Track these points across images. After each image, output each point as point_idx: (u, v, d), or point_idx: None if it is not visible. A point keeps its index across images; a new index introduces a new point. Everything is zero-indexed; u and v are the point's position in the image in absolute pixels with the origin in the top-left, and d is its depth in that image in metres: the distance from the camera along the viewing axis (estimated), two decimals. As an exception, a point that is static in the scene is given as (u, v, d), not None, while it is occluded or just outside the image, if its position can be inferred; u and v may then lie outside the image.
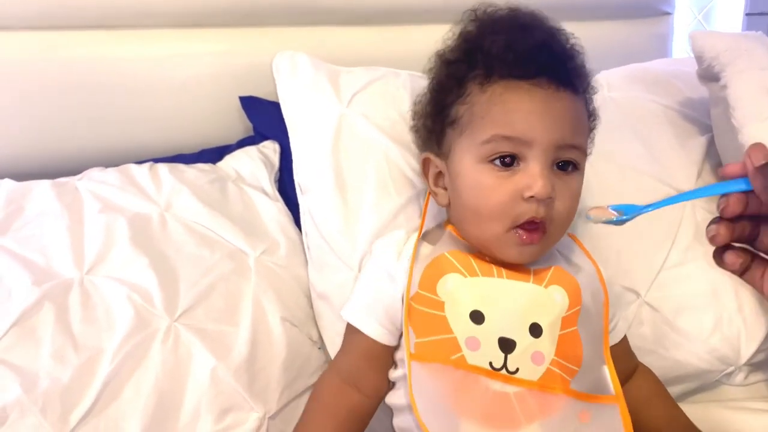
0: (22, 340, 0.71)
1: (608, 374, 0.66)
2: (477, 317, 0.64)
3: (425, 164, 0.74)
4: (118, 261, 0.79)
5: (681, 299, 0.83)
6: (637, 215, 0.53)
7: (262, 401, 0.74)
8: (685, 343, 0.82)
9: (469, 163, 0.66)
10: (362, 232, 0.82)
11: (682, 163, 0.91)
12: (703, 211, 0.88)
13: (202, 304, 0.77)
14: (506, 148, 0.64)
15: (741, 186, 0.47)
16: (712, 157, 0.92)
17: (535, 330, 0.64)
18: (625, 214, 0.54)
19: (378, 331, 0.68)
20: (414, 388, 0.63)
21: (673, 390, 0.79)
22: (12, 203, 0.84)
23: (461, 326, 0.64)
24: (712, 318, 0.81)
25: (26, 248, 0.79)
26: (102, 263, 0.79)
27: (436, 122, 0.72)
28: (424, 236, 0.71)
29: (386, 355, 0.70)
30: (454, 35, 0.72)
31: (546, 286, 0.67)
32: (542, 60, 0.64)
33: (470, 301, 0.65)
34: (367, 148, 0.85)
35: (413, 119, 0.77)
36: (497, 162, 0.64)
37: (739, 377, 0.84)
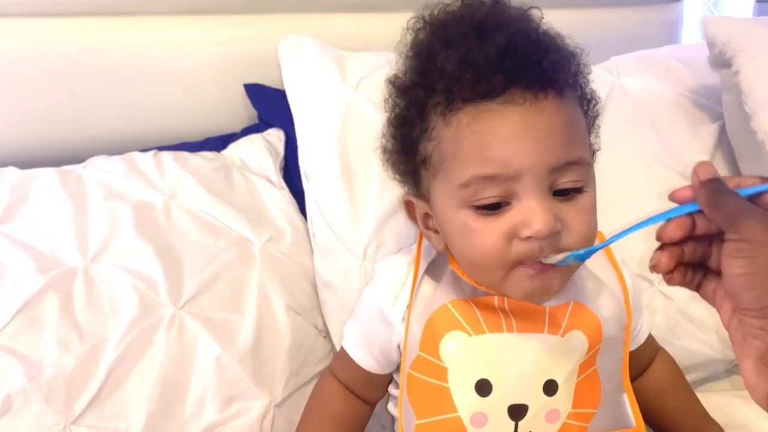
0: (26, 328, 0.71)
1: (628, 404, 0.63)
2: (483, 388, 0.58)
3: (409, 207, 0.64)
4: (123, 249, 0.79)
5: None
6: (593, 252, 0.54)
7: (268, 389, 0.74)
8: (697, 332, 0.81)
9: (450, 209, 0.56)
10: (368, 219, 0.81)
11: (693, 151, 0.90)
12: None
13: (207, 292, 0.77)
14: (490, 191, 0.53)
15: (690, 207, 0.47)
16: (724, 144, 0.91)
17: (550, 387, 0.59)
18: (580, 250, 0.53)
19: (372, 365, 0.67)
20: None
21: (684, 379, 0.78)
22: (16, 191, 0.84)
23: (466, 401, 0.58)
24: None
25: (30, 236, 0.79)
26: (106, 251, 0.78)
27: (407, 162, 0.61)
28: (428, 270, 0.64)
29: (384, 380, 0.68)
30: (406, 46, 0.60)
31: (563, 334, 0.59)
32: (509, 69, 0.52)
33: (476, 369, 0.59)
34: (374, 134, 0.83)
35: (383, 153, 0.65)
36: (482, 210, 0.54)
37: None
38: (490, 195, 0.53)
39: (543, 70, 0.53)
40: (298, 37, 0.96)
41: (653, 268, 0.48)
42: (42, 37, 0.95)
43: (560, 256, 0.53)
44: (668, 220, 0.47)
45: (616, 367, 0.64)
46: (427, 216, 0.62)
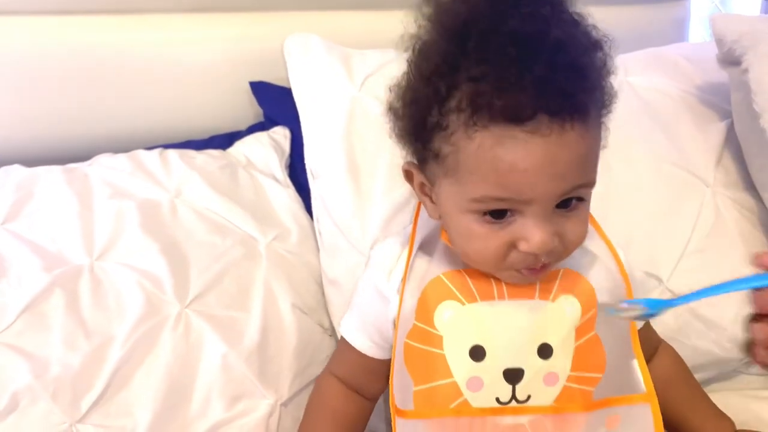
0: (32, 326, 0.70)
1: (638, 369, 0.63)
2: (477, 354, 0.60)
3: (407, 173, 0.64)
4: (129, 247, 0.78)
5: (703, 286, 0.81)
6: (668, 309, 0.56)
7: (274, 388, 0.74)
8: (707, 331, 0.80)
9: (455, 208, 0.57)
10: (374, 216, 0.81)
11: (701, 149, 0.89)
12: (724, 198, 0.86)
13: (213, 291, 0.77)
14: (499, 205, 0.55)
15: None
16: (732, 143, 0.90)
17: (545, 351, 0.60)
18: (651, 308, 0.55)
19: (371, 349, 0.67)
20: None
21: (691, 379, 0.78)
22: (22, 189, 0.84)
23: (461, 367, 0.60)
24: (733, 306, 0.80)
25: (36, 234, 0.79)
26: (112, 249, 0.78)
27: (415, 143, 0.60)
28: (421, 246, 0.66)
29: (383, 366, 0.68)
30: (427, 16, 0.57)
31: (554, 299, 0.62)
32: (542, 99, 0.50)
33: (470, 335, 0.60)
34: (380, 132, 0.83)
35: (388, 112, 0.62)
36: (487, 216, 0.55)
37: (757, 366, 0.83)
38: (498, 207, 0.55)
39: (575, 102, 0.52)
40: (304, 34, 0.95)
41: (761, 342, 0.46)
42: (47, 35, 0.95)
43: (633, 313, 0.57)
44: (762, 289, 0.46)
45: (620, 333, 0.64)
46: (424, 185, 0.62)
